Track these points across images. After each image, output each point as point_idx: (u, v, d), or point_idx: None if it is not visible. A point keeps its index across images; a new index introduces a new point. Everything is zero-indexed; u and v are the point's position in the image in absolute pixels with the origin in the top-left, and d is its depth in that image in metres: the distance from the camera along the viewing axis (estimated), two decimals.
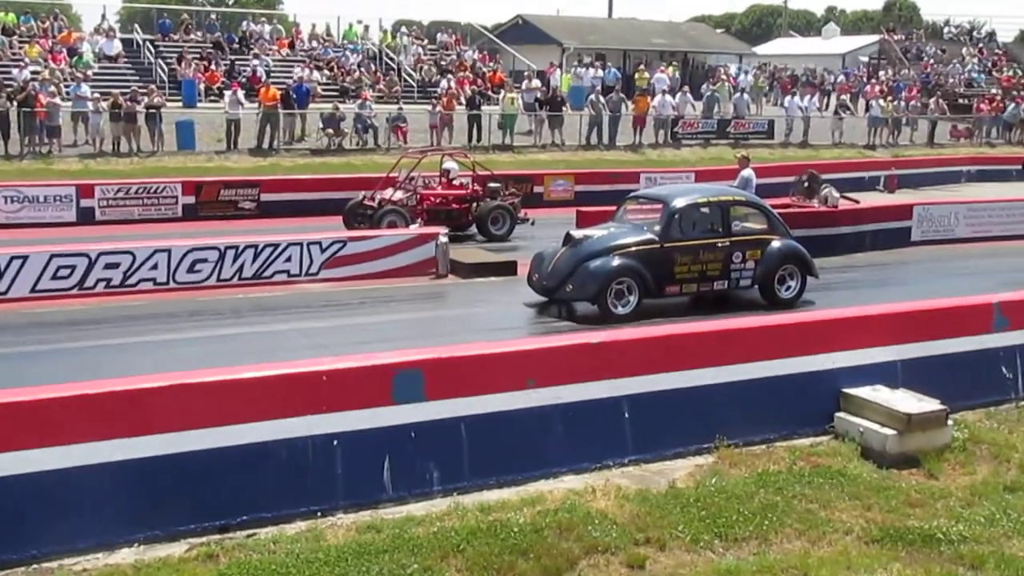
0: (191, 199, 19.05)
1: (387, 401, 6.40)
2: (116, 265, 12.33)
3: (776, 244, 12.12)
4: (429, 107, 26.58)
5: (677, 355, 7.28)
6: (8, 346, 10.07)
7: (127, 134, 22.73)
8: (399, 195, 17.01)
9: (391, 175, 17.71)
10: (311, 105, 26.32)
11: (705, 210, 12.02)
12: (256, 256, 13.16)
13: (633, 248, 11.55)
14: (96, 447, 5.72)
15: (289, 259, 13.35)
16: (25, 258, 11.95)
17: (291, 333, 10.74)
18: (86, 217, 17.98)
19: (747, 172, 15.64)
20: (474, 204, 17.53)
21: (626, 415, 7.03)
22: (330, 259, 13.56)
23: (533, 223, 17.58)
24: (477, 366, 6.73)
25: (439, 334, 10.84)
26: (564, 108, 28.19)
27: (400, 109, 26.32)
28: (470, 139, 26.58)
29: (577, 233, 11.94)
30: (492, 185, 17.96)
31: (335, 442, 6.20)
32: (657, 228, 11.69)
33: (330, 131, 24.81)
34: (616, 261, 11.43)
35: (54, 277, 12.05)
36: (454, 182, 17.75)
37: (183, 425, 5.92)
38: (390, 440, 6.33)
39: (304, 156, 24.29)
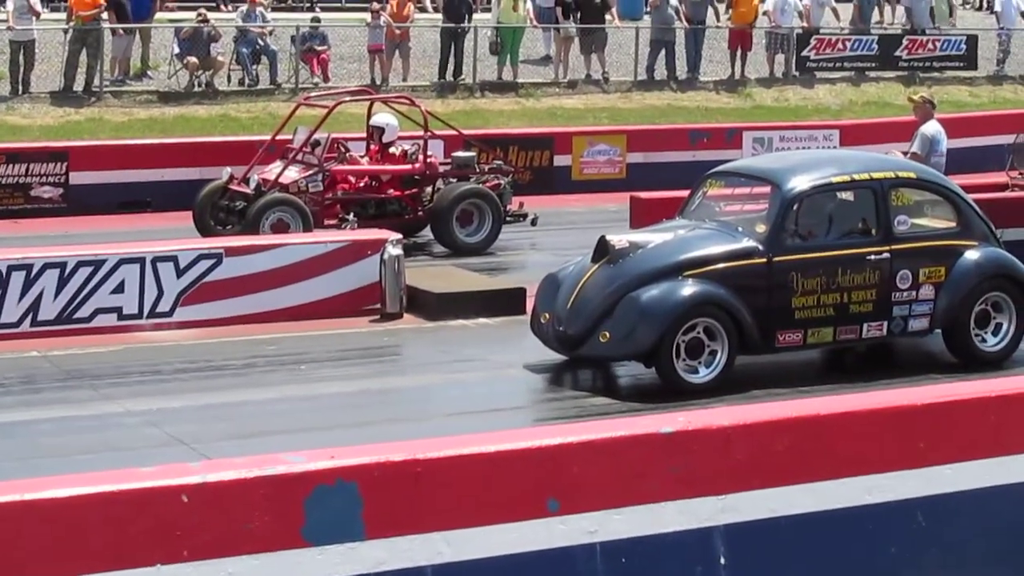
0: None
1: (295, 541, 6.38)
2: None
3: (972, 255, 12.35)
4: (367, 18, 26.79)
5: (830, 451, 7.30)
6: None
7: None
8: (293, 174, 17.25)
9: (281, 139, 18.05)
10: (159, 15, 26.50)
11: (846, 197, 12.35)
12: (61, 284, 13.18)
13: (720, 266, 11.73)
14: None
15: (120, 289, 13.36)
16: None
17: (125, 419, 10.75)
18: None
19: (930, 128, 15.71)
20: (427, 188, 17.73)
21: (722, 561, 7.02)
22: (192, 288, 13.61)
23: (536, 222, 17.84)
24: (456, 478, 6.72)
25: (387, 421, 10.83)
26: (609, 16, 28.39)
27: (316, 22, 26.45)
28: (443, 72, 26.73)
29: (618, 240, 12.05)
30: (460, 155, 18.20)
31: None
32: (761, 229, 11.92)
33: (192, 61, 24.95)
34: (688, 288, 11.64)
35: None
36: (390, 150, 17.98)
37: None
38: None
39: (148, 104, 24.44)
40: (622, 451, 7.02)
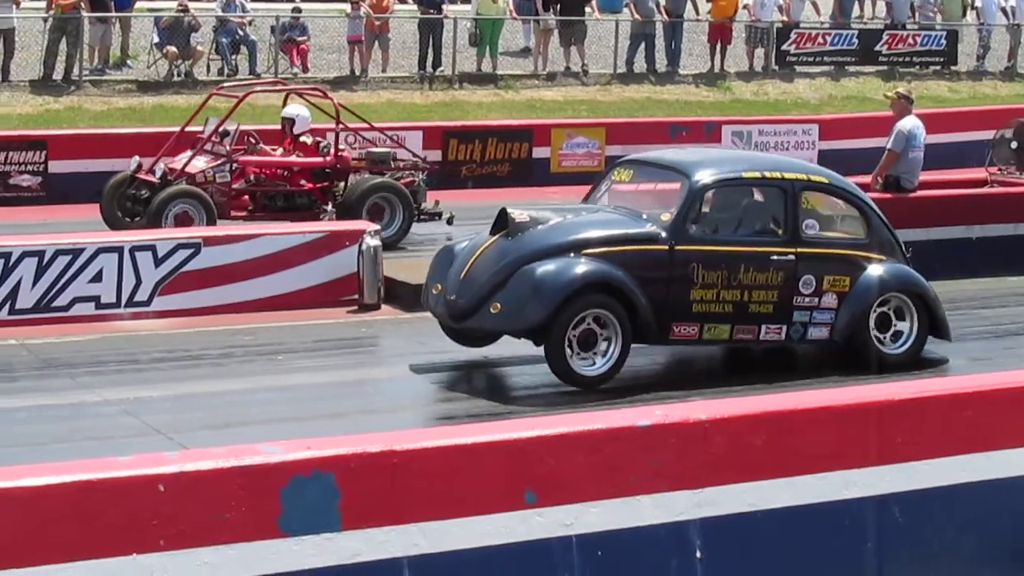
0: None
1: (271, 531, 6.37)
2: None
3: (877, 269, 12.25)
4: (348, 8, 26.77)
5: (806, 446, 7.27)
6: None
7: None
8: (200, 164, 17.16)
9: (191, 130, 17.82)
10: (139, 4, 26.38)
11: (756, 193, 12.21)
12: (40, 272, 13.18)
13: (620, 248, 11.47)
14: None
15: (99, 278, 13.36)
16: None
17: (102, 408, 10.74)
18: None
19: (907, 123, 15.69)
20: (340, 183, 17.63)
21: (698, 555, 7.02)
22: (171, 278, 13.62)
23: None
24: (432, 468, 6.71)
25: (363, 412, 10.85)
26: (588, 8, 28.43)
27: (296, 12, 26.47)
28: (423, 63, 26.69)
29: (519, 214, 11.84)
30: (375, 151, 18.18)
31: None
32: (666, 217, 11.70)
33: (172, 50, 24.89)
34: (583, 266, 11.36)
35: None
36: (301, 139, 17.89)
37: None
38: None
39: (127, 93, 24.35)
40: (599, 444, 7.00)
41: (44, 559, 6.10)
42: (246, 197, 17.32)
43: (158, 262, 13.56)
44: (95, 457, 6.72)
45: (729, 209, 12.05)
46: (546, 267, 11.25)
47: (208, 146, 17.33)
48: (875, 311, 12.14)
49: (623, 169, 12.81)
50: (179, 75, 24.94)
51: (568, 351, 11.22)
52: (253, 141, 17.73)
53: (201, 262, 13.73)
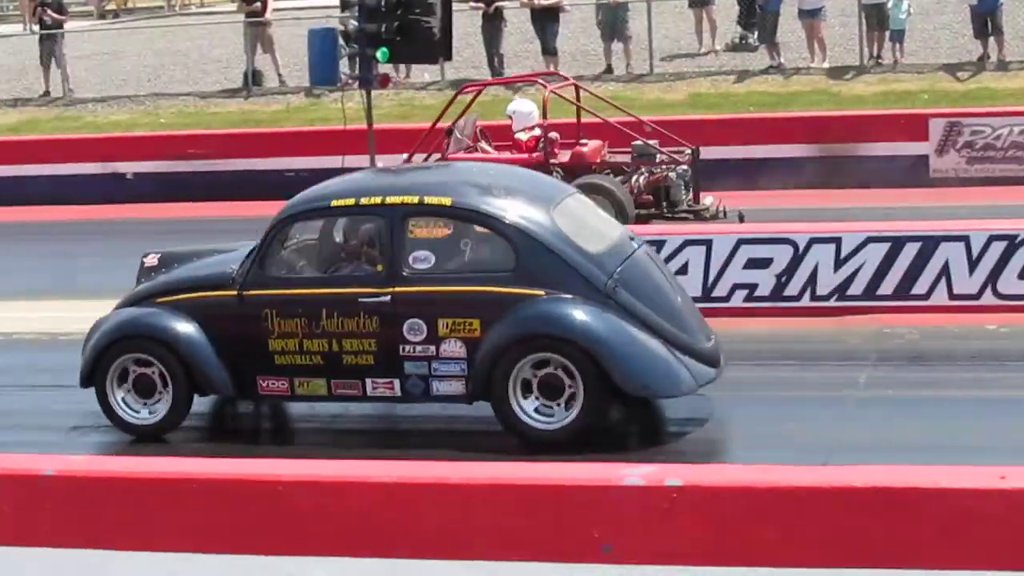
0: None
1: None
2: None
3: (523, 309, 10.19)
4: None
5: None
6: None
7: None
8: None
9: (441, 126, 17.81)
10: None
11: (349, 226, 10.89)
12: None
13: (191, 295, 10.83)
14: None
15: None
16: None
17: None
18: None
19: None
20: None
21: None
22: None
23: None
24: None
25: None
26: None
27: None
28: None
29: (150, 258, 11.75)
30: (637, 145, 17.44)
31: None
32: (243, 259, 10.90)
33: None
34: (126, 316, 11.01)
35: None
36: (517, 136, 17.86)
37: None
38: None
39: None
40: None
41: None
42: None
43: None
44: None
45: (313, 246, 11.04)
46: (110, 318, 11.10)
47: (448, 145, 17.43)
48: (523, 366, 10.18)
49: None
50: None
51: (117, 402, 10.83)
52: (480, 137, 17.88)
53: None
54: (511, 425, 10.26)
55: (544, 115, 17.64)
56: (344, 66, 17.52)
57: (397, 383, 10.44)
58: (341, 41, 17.13)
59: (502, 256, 10.42)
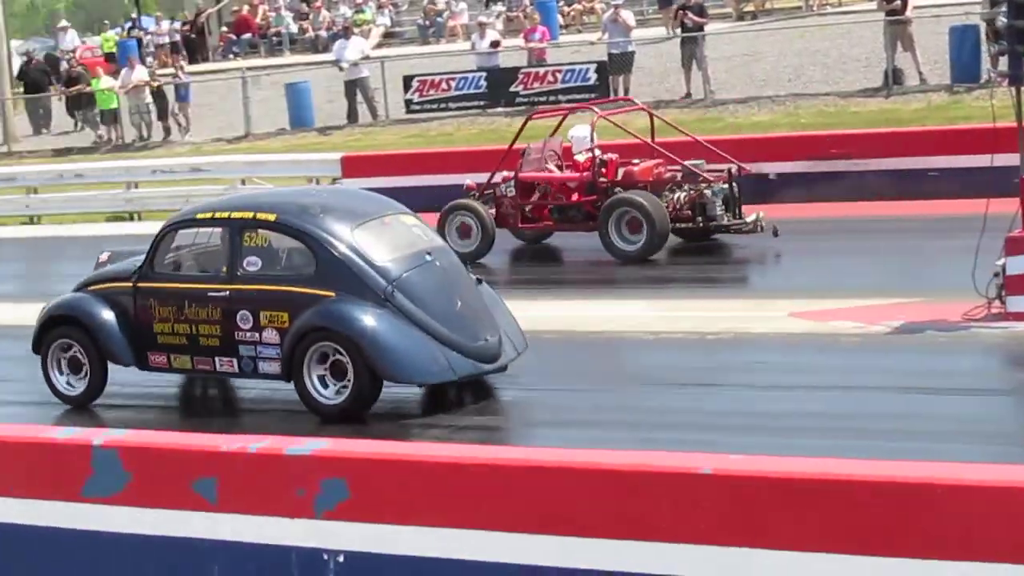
0: None
1: None
2: None
3: (317, 306, 12.32)
4: None
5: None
6: None
7: None
8: (498, 179, 19.23)
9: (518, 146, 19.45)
10: None
11: (208, 234, 13.33)
12: None
13: (104, 285, 13.50)
14: None
15: None
16: None
17: None
18: None
19: None
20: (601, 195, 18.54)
21: None
22: None
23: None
24: None
25: None
26: None
27: None
28: None
29: (102, 256, 14.35)
30: (687, 164, 18.37)
31: None
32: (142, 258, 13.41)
33: None
34: (66, 298, 13.64)
35: None
36: (576, 157, 19.05)
37: None
38: None
39: None
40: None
41: None
42: (546, 210, 19.00)
43: None
44: None
45: (184, 249, 13.31)
46: (57, 297, 13.76)
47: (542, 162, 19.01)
48: (312, 353, 12.26)
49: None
50: None
51: (55, 372, 13.44)
52: (549, 158, 19.15)
53: None
54: (305, 400, 12.50)
55: (592, 138, 18.76)
56: (987, 63, 16.66)
57: (235, 362, 12.82)
58: (984, 37, 16.59)
59: (307, 263, 12.62)
